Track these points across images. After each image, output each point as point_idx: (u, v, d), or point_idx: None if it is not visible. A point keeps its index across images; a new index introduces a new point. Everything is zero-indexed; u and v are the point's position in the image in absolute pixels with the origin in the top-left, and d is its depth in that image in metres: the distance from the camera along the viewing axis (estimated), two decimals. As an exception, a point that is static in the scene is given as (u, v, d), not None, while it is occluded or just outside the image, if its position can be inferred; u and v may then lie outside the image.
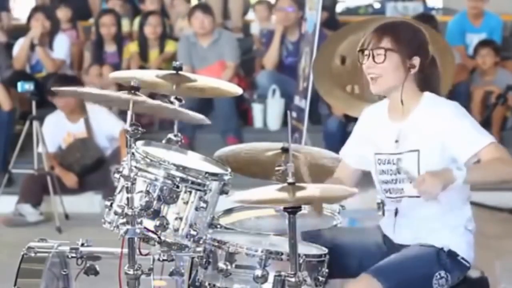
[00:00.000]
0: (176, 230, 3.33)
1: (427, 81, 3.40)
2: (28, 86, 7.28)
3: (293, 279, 3.06)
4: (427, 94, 3.41)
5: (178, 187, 3.31)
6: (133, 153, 3.31)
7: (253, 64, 9.15)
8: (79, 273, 3.71)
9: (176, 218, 3.32)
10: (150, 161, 3.33)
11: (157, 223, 3.28)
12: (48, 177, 7.29)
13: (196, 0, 10.50)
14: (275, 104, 8.54)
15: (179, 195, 3.31)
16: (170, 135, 3.69)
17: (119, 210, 3.23)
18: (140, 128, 3.25)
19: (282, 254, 3.22)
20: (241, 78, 8.69)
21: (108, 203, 3.39)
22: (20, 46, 8.74)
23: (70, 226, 7.18)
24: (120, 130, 7.47)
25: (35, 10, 8.94)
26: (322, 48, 4.72)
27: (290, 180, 3.05)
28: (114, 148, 7.75)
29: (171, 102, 3.68)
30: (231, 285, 3.25)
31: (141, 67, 8.55)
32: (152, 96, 4.76)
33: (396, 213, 3.46)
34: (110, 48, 8.97)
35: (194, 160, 3.58)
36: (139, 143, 3.45)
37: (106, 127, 7.68)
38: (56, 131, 7.73)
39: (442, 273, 3.32)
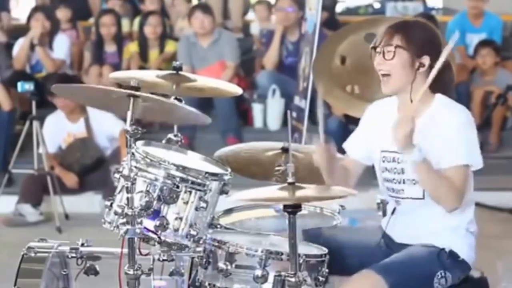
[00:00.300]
0: (176, 230, 3.32)
1: (439, 82, 3.38)
2: (28, 86, 7.27)
3: (293, 279, 3.05)
4: (438, 96, 3.41)
5: (178, 187, 3.30)
6: (133, 153, 3.30)
7: (253, 64, 9.15)
8: (79, 273, 3.71)
9: (176, 218, 3.31)
10: (150, 161, 3.33)
11: (157, 223, 3.28)
12: (48, 177, 7.28)
13: (196, 0, 10.50)
14: (275, 104, 8.54)
15: (179, 195, 3.31)
16: (170, 135, 3.69)
17: (119, 210, 3.23)
18: (140, 128, 3.25)
19: (282, 254, 3.22)
20: (241, 78, 8.69)
21: (108, 203, 3.38)
22: (20, 46, 8.73)
23: (70, 226, 7.17)
24: (120, 130, 7.46)
25: (35, 10, 8.93)
26: (322, 48, 4.71)
27: (290, 180, 3.06)
28: (114, 148, 7.75)
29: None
30: (231, 285, 3.25)
31: (141, 67, 8.55)
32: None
33: (393, 211, 3.47)
34: (110, 48, 8.97)
35: (194, 160, 3.58)
36: (139, 143, 3.45)
37: (106, 127, 7.68)
38: (56, 131, 7.73)
39: (443, 273, 3.33)
